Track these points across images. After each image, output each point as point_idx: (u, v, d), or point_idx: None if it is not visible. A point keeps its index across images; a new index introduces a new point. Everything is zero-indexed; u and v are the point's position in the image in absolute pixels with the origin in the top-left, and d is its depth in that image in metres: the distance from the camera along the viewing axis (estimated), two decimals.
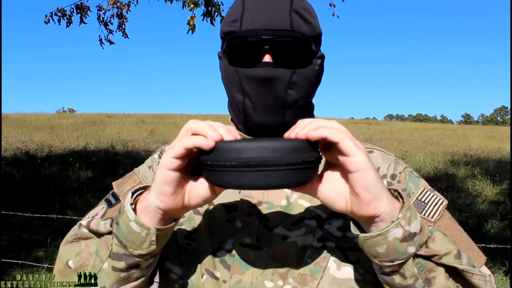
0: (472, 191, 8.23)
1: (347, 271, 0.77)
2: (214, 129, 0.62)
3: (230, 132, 0.63)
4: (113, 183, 0.92)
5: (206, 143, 0.60)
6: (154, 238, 0.67)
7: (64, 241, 0.80)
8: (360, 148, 0.61)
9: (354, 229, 0.67)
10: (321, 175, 0.66)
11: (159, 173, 0.64)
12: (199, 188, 0.66)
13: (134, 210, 0.68)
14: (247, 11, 0.80)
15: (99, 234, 0.74)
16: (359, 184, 0.61)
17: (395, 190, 0.67)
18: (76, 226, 0.79)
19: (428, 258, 0.66)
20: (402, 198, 0.65)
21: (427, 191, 0.84)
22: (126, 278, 0.71)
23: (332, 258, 0.77)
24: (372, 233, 0.63)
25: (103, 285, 0.72)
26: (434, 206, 0.82)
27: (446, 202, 0.84)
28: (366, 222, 0.64)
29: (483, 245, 3.74)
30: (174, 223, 0.70)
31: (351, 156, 0.60)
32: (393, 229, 0.62)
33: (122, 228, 0.68)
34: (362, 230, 0.66)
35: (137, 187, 0.72)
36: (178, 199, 0.65)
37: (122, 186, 0.90)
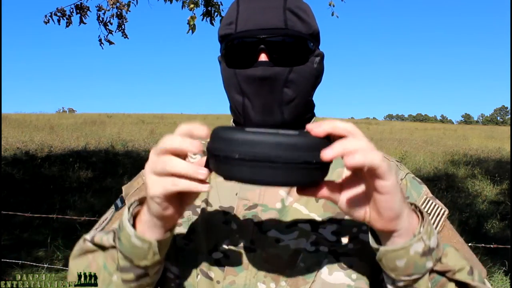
0: (472, 191, 8.23)
1: (339, 276, 0.76)
2: (194, 171, 0.59)
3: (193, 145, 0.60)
4: (123, 187, 0.94)
5: (199, 187, 0.59)
6: (156, 249, 0.67)
7: (72, 256, 0.81)
8: (392, 170, 0.58)
9: (373, 243, 0.65)
10: (343, 182, 0.63)
11: (149, 202, 0.64)
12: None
13: (134, 224, 0.69)
14: (241, 13, 0.81)
15: (104, 248, 0.75)
16: (385, 205, 0.59)
17: (415, 205, 0.66)
18: (81, 241, 0.80)
19: (442, 273, 0.65)
20: (421, 213, 0.64)
21: (429, 200, 0.83)
22: (138, 287, 0.72)
23: (325, 263, 0.76)
24: (395, 246, 0.62)
25: None
26: (437, 216, 0.81)
27: (447, 211, 0.83)
28: (383, 235, 0.64)
29: (483, 245, 3.74)
30: (172, 230, 0.70)
31: (384, 180, 0.57)
32: (416, 243, 0.61)
33: (124, 243, 0.68)
34: (378, 241, 0.65)
35: (132, 200, 0.71)
36: (174, 209, 0.65)
37: (128, 189, 0.92)
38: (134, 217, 0.70)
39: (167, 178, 0.60)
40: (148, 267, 0.70)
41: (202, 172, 0.59)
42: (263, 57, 0.79)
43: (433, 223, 0.80)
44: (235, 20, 0.82)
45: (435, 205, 0.82)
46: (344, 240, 0.78)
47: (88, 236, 0.77)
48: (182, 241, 0.82)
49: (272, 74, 0.79)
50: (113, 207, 0.92)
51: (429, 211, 0.81)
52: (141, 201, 0.71)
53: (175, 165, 0.59)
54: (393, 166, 0.86)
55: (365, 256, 0.76)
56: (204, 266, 0.79)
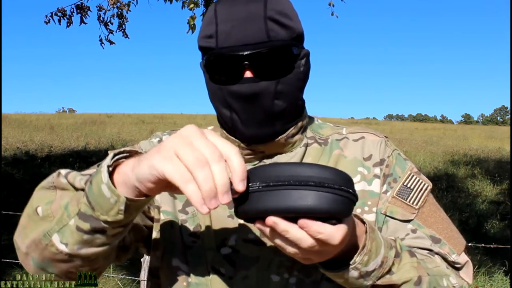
0: (472, 191, 8.23)
1: None
2: (221, 191, 0.53)
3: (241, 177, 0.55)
4: (109, 151, 0.89)
5: (202, 209, 0.53)
6: (122, 208, 0.60)
7: (39, 186, 0.75)
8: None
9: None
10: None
11: (147, 170, 0.57)
12: None
13: (111, 175, 0.61)
14: (221, 25, 0.78)
15: (74, 188, 0.68)
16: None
17: (364, 223, 0.68)
18: (55, 174, 0.72)
19: (386, 287, 0.70)
20: (365, 236, 0.66)
21: (413, 176, 0.86)
22: (89, 241, 0.64)
23: None
24: (328, 272, 0.67)
25: (66, 242, 0.65)
26: (419, 192, 0.84)
27: (430, 186, 0.86)
28: None
29: (483, 245, 3.74)
30: (149, 199, 0.64)
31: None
32: (348, 271, 0.66)
33: (94, 189, 0.61)
34: None
35: (122, 149, 0.65)
36: (158, 187, 0.59)
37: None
38: (115, 167, 0.63)
39: (184, 169, 0.54)
40: (108, 223, 0.62)
41: (226, 198, 0.54)
42: (248, 74, 0.77)
43: (416, 200, 0.83)
44: (215, 33, 0.78)
45: (418, 180, 0.86)
46: None
47: (63, 171, 0.71)
48: (190, 239, 0.81)
49: (259, 90, 0.77)
50: (95, 166, 0.83)
51: (412, 187, 0.84)
52: (131, 154, 0.65)
53: (210, 172, 0.53)
54: (369, 140, 0.89)
55: None
56: (214, 262, 0.79)
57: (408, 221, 0.81)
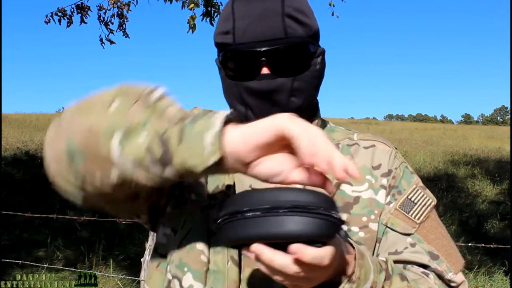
0: (472, 191, 8.22)
1: None
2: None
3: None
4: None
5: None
6: (211, 163, 0.55)
7: (124, 86, 0.67)
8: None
9: None
10: None
11: (270, 122, 0.57)
12: (271, 164, 0.58)
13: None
14: (238, 22, 0.78)
15: (160, 114, 0.59)
16: None
17: (353, 247, 0.68)
18: (146, 91, 0.62)
19: None
20: (354, 263, 0.66)
21: (417, 190, 0.85)
22: (144, 165, 0.58)
23: None
24: None
25: (123, 147, 0.57)
26: (423, 206, 0.83)
27: (434, 202, 0.86)
28: None
29: (483, 245, 3.74)
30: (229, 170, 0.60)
31: None
32: None
33: (195, 129, 0.56)
34: None
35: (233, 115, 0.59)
36: (252, 155, 0.57)
37: None
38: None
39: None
40: (175, 170, 0.57)
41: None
42: (265, 70, 0.78)
43: (418, 214, 0.82)
44: (232, 29, 0.79)
45: (423, 195, 0.85)
46: (355, 229, 0.80)
47: (159, 92, 0.63)
48: (215, 225, 0.81)
49: (276, 86, 0.78)
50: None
51: (415, 201, 0.83)
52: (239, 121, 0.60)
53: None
54: (379, 149, 0.87)
55: (372, 245, 0.80)
56: (233, 253, 0.79)
57: (408, 234, 0.81)
